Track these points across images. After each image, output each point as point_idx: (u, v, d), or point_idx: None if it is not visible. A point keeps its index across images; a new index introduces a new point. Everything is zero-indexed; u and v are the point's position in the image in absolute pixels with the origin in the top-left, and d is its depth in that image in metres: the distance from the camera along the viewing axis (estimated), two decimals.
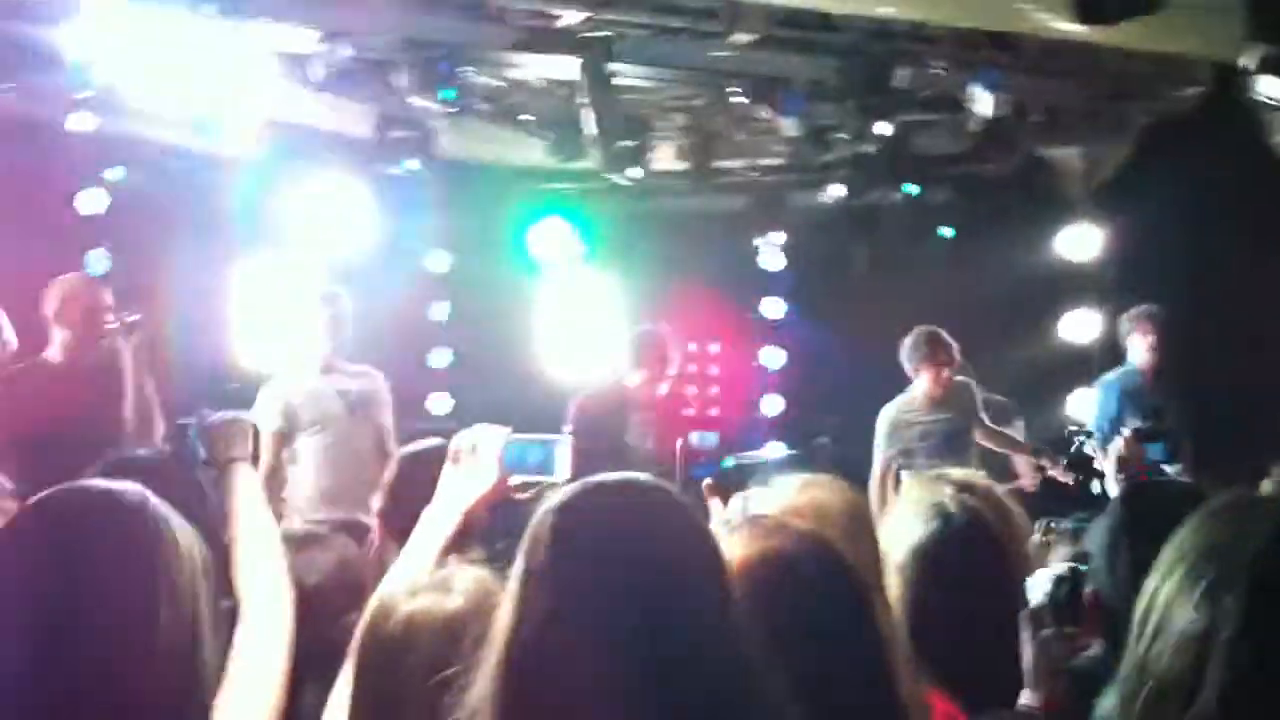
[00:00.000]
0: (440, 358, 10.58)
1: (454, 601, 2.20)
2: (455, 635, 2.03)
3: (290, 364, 6.59)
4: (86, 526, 1.80)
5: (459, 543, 2.57)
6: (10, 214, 7.31)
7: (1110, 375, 7.81)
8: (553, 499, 1.83)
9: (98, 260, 8.57)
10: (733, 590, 1.77)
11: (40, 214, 7.72)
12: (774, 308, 10.74)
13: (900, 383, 7.66)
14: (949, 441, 7.30)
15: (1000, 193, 9.09)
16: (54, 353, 5.77)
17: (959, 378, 7.50)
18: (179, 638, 1.80)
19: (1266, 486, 4.41)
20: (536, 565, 1.74)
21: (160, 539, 1.84)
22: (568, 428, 6.76)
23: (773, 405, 10.66)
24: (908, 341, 7.47)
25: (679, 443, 7.48)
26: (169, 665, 1.78)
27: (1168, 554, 1.61)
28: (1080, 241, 9.16)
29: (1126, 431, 5.96)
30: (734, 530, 2.17)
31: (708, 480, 3.10)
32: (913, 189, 9.30)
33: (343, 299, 6.57)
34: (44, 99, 7.37)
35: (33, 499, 1.87)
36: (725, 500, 2.95)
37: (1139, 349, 7.63)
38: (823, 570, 2.05)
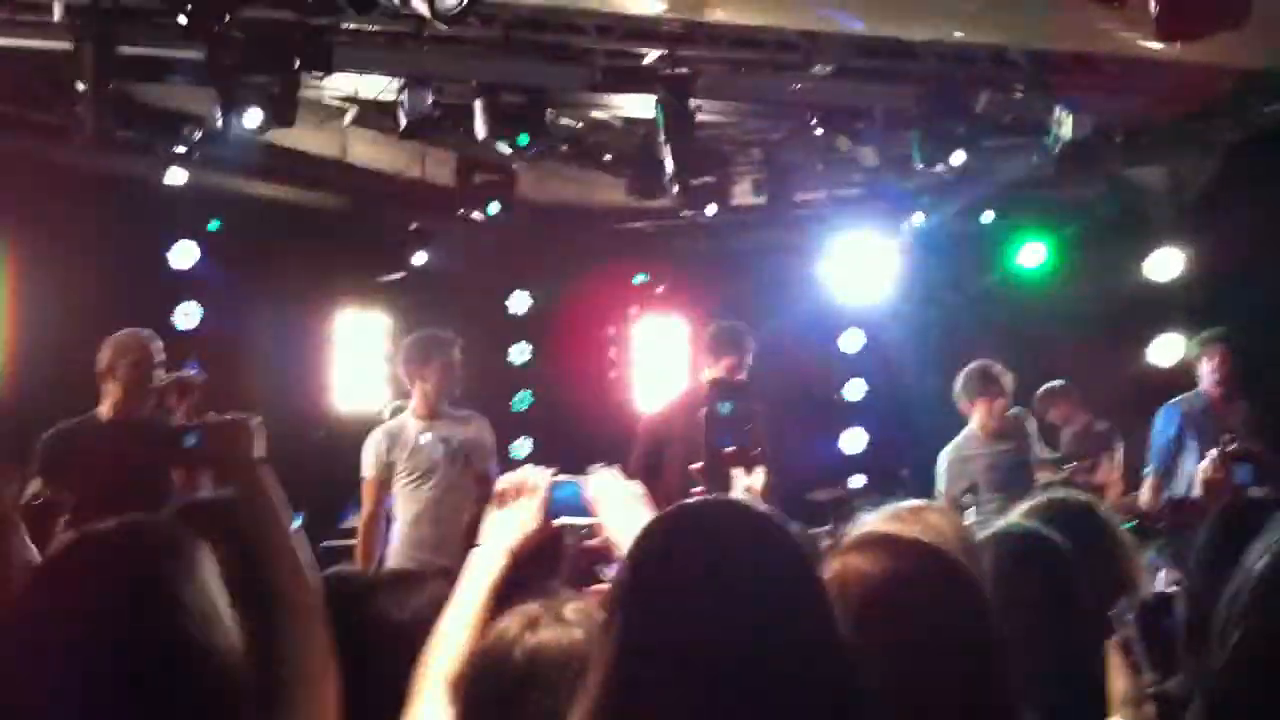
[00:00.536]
0: (521, 400, 10.64)
1: (574, 633, 2.20)
2: (577, 667, 2.02)
3: (397, 411, 6.62)
4: None
5: (509, 585, 2.54)
6: (110, 266, 7.52)
7: (1174, 400, 7.67)
8: (650, 524, 1.77)
9: (188, 313, 8.78)
10: (835, 618, 1.69)
11: (135, 267, 7.91)
12: (853, 341, 10.76)
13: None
14: (1012, 473, 7.20)
15: (1086, 215, 9.01)
16: (104, 409, 5.69)
17: (1012, 410, 7.43)
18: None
19: None
20: (632, 595, 1.68)
21: None
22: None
23: (854, 440, 10.62)
24: (959, 379, 7.41)
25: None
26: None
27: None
28: (1166, 264, 9.06)
29: (1215, 453, 5.89)
30: (854, 548, 2.13)
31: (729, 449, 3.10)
32: (988, 216, 9.30)
33: (455, 345, 6.51)
34: (139, 154, 7.55)
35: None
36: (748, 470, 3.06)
37: (1205, 373, 7.51)
38: (953, 586, 2.03)
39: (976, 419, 7.33)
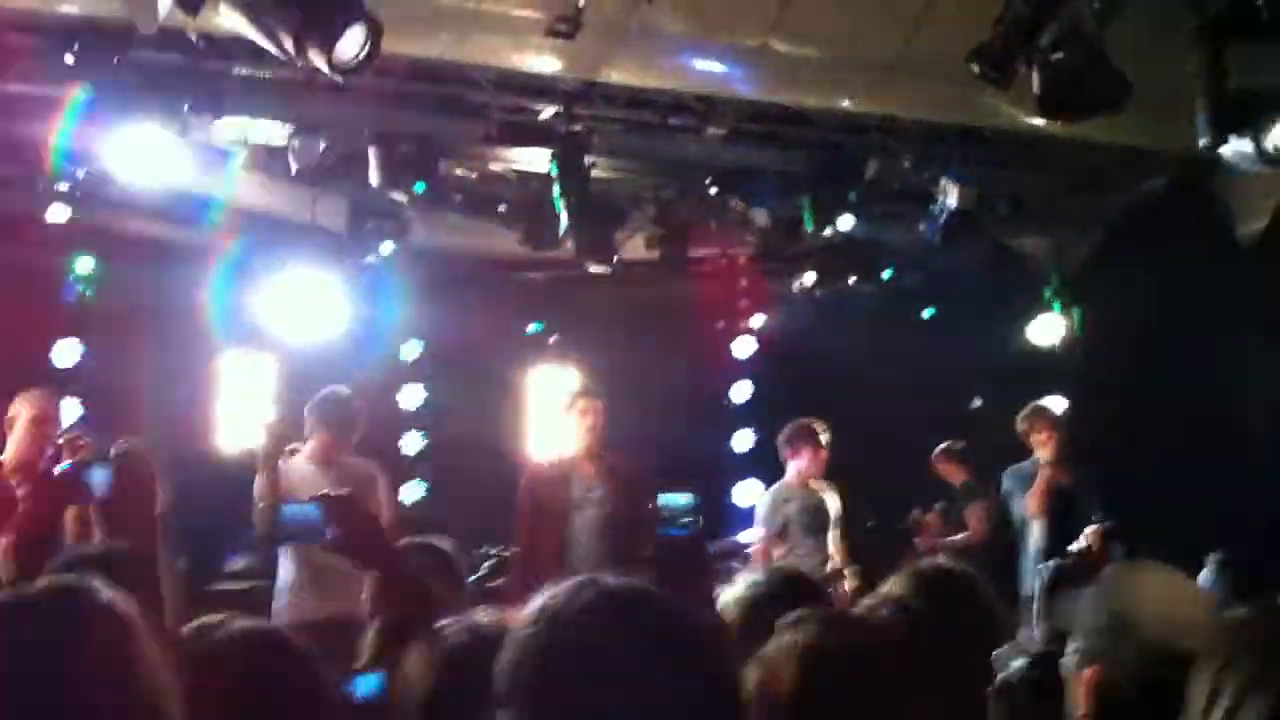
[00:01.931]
0: (412, 443, 10.56)
1: None
2: None
3: (292, 455, 6.60)
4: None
5: None
6: None
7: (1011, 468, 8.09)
8: (530, 612, 1.64)
9: (68, 350, 8.60)
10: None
11: (14, 304, 7.73)
12: (742, 392, 10.89)
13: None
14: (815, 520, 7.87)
15: (970, 281, 9.22)
16: (8, 458, 5.80)
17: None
18: None
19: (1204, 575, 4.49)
20: (515, 696, 1.59)
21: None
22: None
23: (747, 491, 10.70)
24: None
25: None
26: None
27: None
28: (1048, 329, 9.32)
29: (1095, 527, 6.53)
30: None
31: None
32: (885, 274, 9.48)
33: (353, 399, 6.69)
34: (21, 191, 7.40)
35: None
36: None
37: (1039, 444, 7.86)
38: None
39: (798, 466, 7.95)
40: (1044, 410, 8.02)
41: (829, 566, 7.64)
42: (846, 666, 2.06)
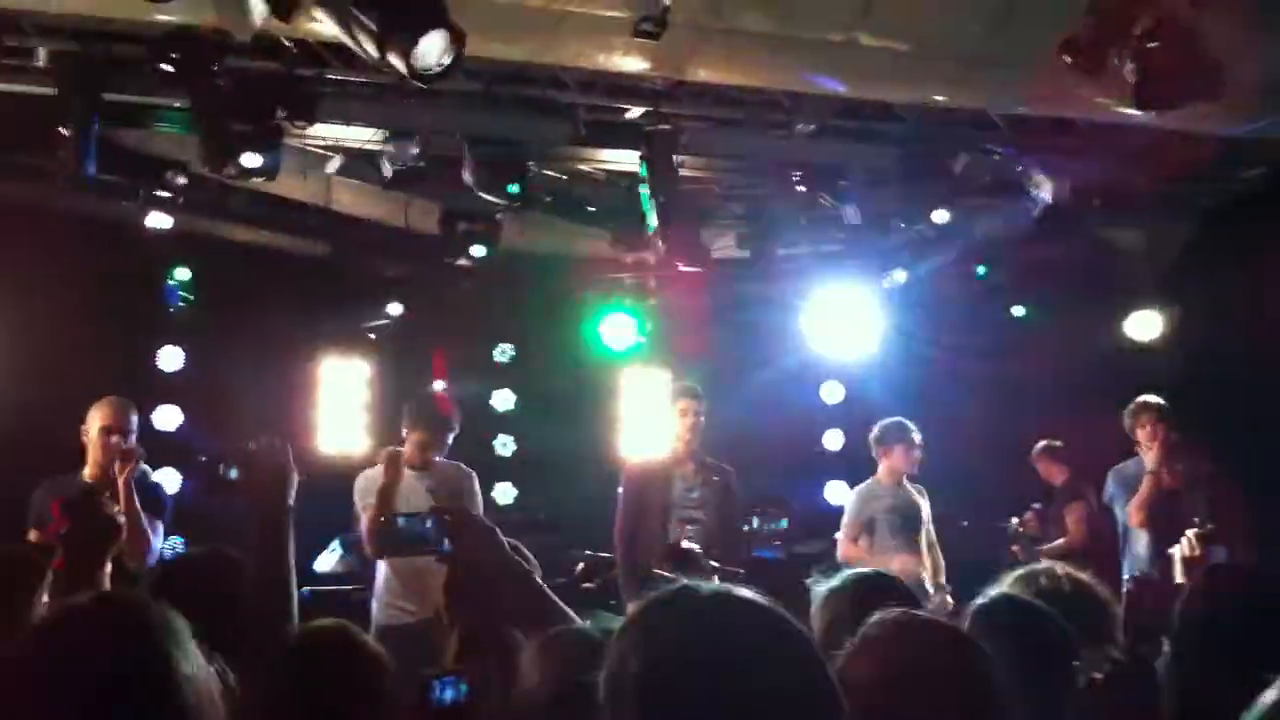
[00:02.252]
0: (504, 446, 10.65)
1: None
2: None
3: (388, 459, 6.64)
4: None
5: None
6: (92, 310, 7.54)
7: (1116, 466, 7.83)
8: (633, 612, 1.68)
9: (171, 357, 8.80)
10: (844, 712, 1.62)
11: (120, 310, 7.92)
12: (833, 392, 10.83)
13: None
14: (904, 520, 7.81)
15: (1065, 276, 9.07)
16: (89, 472, 5.91)
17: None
18: None
19: None
20: (618, 694, 1.59)
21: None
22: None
23: (836, 491, 10.63)
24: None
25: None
26: None
27: None
28: (1145, 324, 9.14)
29: (1192, 533, 6.14)
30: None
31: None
32: (980, 269, 9.38)
33: (447, 400, 6.83)
34: (124, 198, 7.58)
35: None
36: None
37: (1143, 441, 7.63)
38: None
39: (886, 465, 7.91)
40: (1148, 405, 7.68)
41: (923, 575, 7.52)
42: (928, 671, 2.04)
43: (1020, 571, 3.17)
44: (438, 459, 6.72)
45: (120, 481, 5.65)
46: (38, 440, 6.43)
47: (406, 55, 4.72)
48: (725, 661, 1.56)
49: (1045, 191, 7.49)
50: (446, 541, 2.89)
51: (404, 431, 6.73)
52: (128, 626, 1.79)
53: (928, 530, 7.88)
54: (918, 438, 7.91)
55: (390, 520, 3.99)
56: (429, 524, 2.95)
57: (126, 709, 1.70)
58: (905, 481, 7.93)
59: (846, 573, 3.06)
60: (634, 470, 7.20)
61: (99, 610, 1.86)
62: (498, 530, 2.91)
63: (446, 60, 4.88)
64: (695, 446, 7.12)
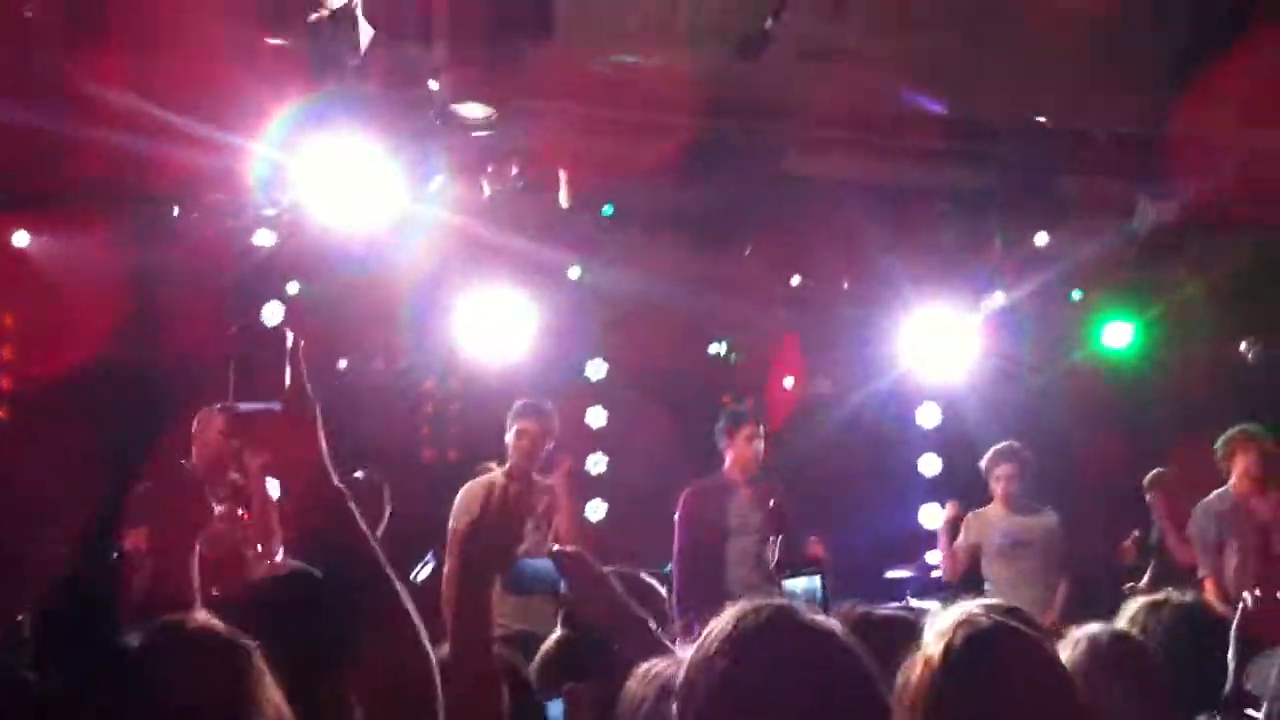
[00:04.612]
0: (596, 463, 10.67)
1: None
2: None
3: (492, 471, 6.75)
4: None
5: None
6: (199, 327, 7.69)
7: (1205, 500, 7.57)
8: (707, 637, 1.71)
9: None
10: None
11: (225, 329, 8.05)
12: (930, 415, 10.74)
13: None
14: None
15: (1171, 295, 8.92)
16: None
17: None
18: None
19: None
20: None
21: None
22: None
23: (932, 515, 10.53)
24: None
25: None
26: None
27: None
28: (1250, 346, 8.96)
29: None
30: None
31: None
32: (1075, 294, 9.25)
33: (553, 412, 6.76)
34: (230, 217, 7.73)
35: None
36: None
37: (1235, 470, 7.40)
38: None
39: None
40: (1241, 434, 7.44)
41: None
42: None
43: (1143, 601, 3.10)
44: (534, 476, 6.70)
45: (255, 470, 5.66)
46: None
47: None
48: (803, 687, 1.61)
49: (1149, 212, 7.37)
50: (564, 582, 2.99)
51: (507, 440, 6.69)
52: (212, 666, 1.73)
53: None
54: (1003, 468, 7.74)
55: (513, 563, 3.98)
56: (550, 567, 3.02)
57: None
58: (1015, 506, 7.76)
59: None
60: (690, 494, 7.18)
61: (185, 643, 1.77)
62: (609, 578, 2.99)
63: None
64: (754, 471, 7.10)
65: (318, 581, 2.90)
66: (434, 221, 7.62)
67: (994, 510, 7.80)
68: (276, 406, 1.92)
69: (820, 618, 1.71)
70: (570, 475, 6.85)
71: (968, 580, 7.64)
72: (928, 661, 1.91)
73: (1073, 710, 1.95)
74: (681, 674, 1.70)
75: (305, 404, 1.94)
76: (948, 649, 1.90)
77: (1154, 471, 8.51)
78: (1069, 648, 2.62)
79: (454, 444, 9.82)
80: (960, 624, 1.95)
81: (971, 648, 1.90)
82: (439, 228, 7.78)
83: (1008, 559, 7.58)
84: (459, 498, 6.54)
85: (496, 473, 6.68)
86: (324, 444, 1.93)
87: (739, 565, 6.91)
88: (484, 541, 2.52)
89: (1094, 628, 2.74)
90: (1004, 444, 7.86)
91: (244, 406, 1.93)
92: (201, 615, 1.72)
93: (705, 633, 1.71)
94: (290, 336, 1.95)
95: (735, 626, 1.67)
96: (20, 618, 5.78)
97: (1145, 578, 7.93)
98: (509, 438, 6.65)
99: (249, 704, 1.67)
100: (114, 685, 1.65)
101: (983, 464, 7.91)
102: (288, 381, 1.93)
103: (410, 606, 1.92)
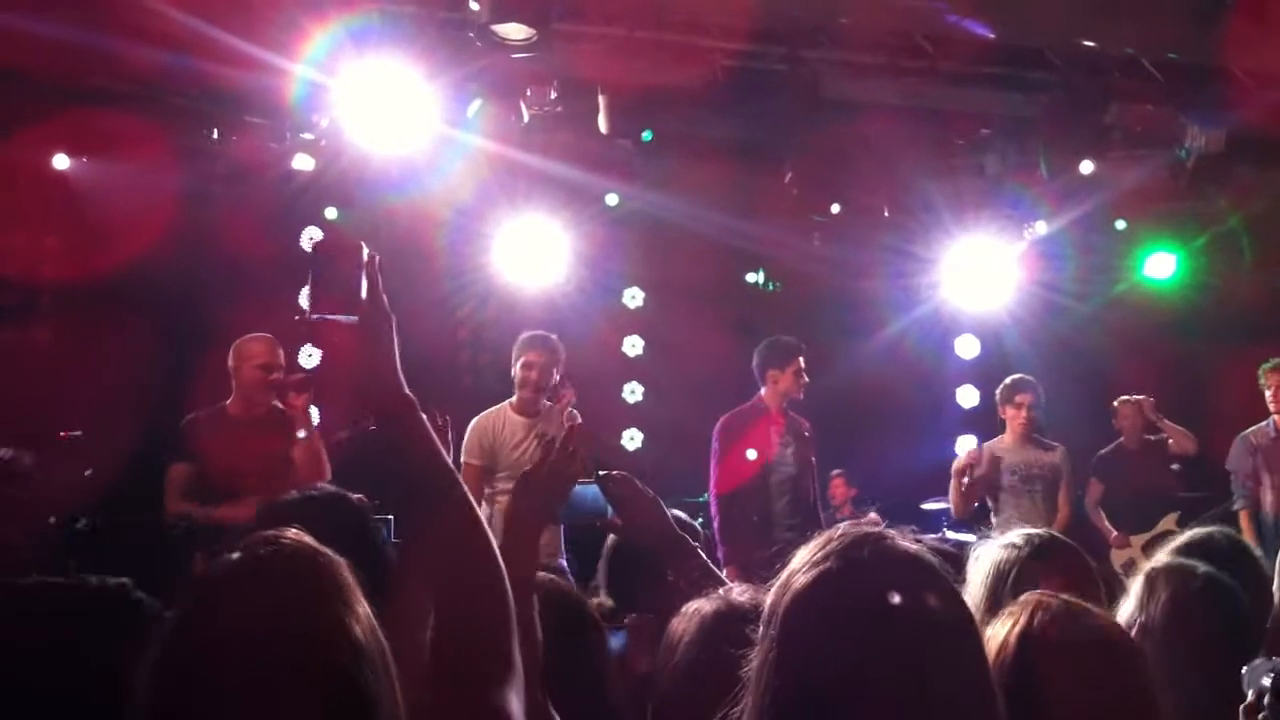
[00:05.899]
0: (633, 392, 10.67)
1: None
2: None
3: (503, 403, 6.64)
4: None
5: None
6: (237, 252, 7.71)
7: (1244, 433, 7.55)
8: (795, 564, 1.67)
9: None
10: (989, 673, 1.63)
11: (265, 252, 8.08)
12: (968, 347, 10.65)
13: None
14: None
15: (1217, 226, 8.80)
16: (232, 403, 5.96)
17: None
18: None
19: None
20: (783, 641, 1.61)
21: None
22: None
23: (967, 448, 10.48)
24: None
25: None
26: None
27: None
28: None
29: None
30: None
31: None
32: (1119, 223, 9.14)
33: (558, 344, 6.65)
34: (270, 140, 7.71)
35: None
36: None
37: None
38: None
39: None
40: None
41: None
42: (1069, 661, 1.96)
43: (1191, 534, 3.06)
44: (544, 403, 6.58)
45: (299, 408, 5.74)
46: None
47: None
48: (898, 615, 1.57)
49: (1198, 142, 7.24)
50: (611, 507, 2.89)
51: (512, 372, 6.57)
52: (310, 580, 1.63)
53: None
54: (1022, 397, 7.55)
55: None
56: (594, 492, 2.91)
57: (300, 686, 1.55)
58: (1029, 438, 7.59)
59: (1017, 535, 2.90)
60: (727, 422, 7.11)
61: (271, 565, 1.65)
62: (660, 502, 2.88)
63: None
64: (795, 399, 7.08)
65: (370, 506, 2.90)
66: (472, 147, 7.57)
67: (1005, 443, 7.67)
68: (354, 318, 1.99)
69: (913, 545, 1.66)
70: (570, 408, 6.74)
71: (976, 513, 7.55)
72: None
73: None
74: (781, 602, 1.65)
75: (381, 316, 2.02)
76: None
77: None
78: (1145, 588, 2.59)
79: (489, 371, 9.83)
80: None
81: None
82: (477, 153, 7.75)
83: (1016, 493, 7.46)
84: (468, 432, 6.42)
85: (503, 404, 6.59)
86: (397, 355, 1.99)
87: (778, 493, 6.90)
88: (534, 496, 2.52)
89: (1176, 563, 2.70)
90: (1020, 375, 7.72)
91: (324, 317, 2.00)
92: (293, 532, 1.69)
93: (799, 559, 1.68)
94: (366, 250, 2.01)
95: (835, 556, 1.64)
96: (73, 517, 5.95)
97: None
98: (515, 369, 6.51)
99: (346, 618, 1.62)
100: (211, 603, 1.61)
101: (998, 393, 7.72)
102: (363, 294, 2.00)
103: (483, 517, 1.92)
